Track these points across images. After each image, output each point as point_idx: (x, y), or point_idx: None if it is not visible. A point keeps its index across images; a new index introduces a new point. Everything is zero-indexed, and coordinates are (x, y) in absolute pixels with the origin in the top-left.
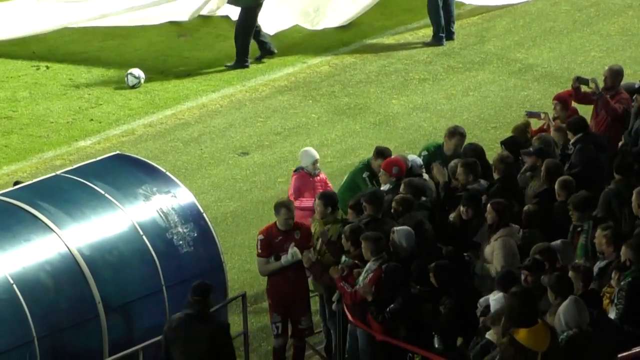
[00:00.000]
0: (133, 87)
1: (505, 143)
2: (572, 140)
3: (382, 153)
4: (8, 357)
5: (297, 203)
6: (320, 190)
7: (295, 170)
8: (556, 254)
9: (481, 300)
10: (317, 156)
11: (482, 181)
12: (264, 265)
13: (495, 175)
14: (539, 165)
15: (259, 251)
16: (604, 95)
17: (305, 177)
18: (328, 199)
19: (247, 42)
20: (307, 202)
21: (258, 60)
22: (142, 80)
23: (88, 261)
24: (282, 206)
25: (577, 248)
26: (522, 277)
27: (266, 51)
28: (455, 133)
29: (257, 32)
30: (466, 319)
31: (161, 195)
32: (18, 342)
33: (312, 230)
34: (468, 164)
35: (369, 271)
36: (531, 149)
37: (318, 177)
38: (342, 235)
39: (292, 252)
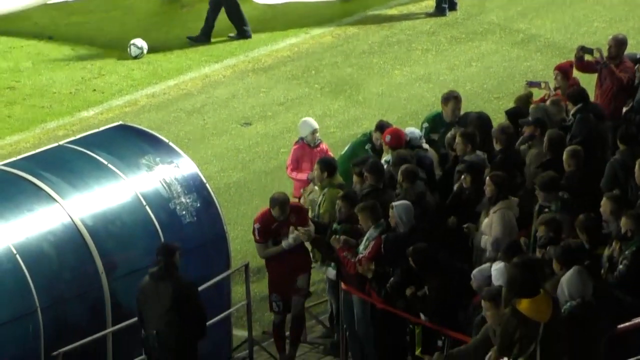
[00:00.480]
0: (136, 57)
1: (509, 113)
2: (572, 111)
3: (381, 127)
4: (11, 328)
5: (293, 175)
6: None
7: (296, 142)
8: (562, 224)
9: (475, 271)
10: (316, 126)
11: (480, 152)
12: (262, 249)
13: (497, 147)
14: (537, 135)
15: (257, 238)
16: (609, 64)
17: (304, 147)
18: (326, 164)
19: (240, 12)
20: (303, 175)
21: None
22: (145, 51)
23: (91, 231)
24: (276, 204)
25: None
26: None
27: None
28: (450, 98)
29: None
30: (456, 297)
31: (164, 165)
32: (21, 312)
33: (305, 198)
34: (467, 134)
35: (370, 239)
36: (530, 118)
37: (318, 148)
38: (337, 202)
39: (294, 237)
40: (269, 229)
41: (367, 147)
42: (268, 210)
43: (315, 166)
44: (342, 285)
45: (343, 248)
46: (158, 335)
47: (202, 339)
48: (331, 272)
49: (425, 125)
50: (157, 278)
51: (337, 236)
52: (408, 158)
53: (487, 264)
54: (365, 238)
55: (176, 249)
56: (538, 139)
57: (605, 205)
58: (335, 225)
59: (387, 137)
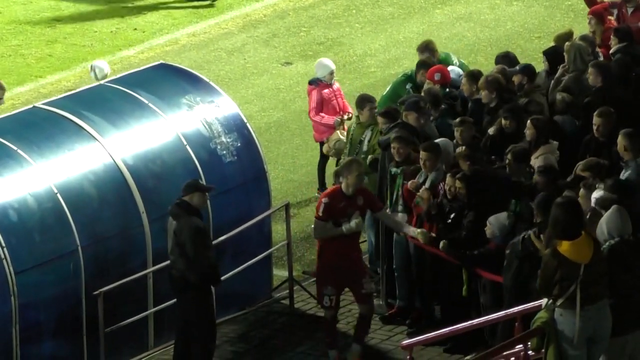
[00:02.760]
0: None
1: (546, 53)
2: (612, 49)
3: (425, 64)
4: (52, 266)
5: (317, 119)
6: (340, 100)
7: (310, 83)
8: (605, 168)
9: (491, 218)
10: (334, 67)
11: (483, 93)
12: (321, 228)
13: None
14: (526, 84)
15: (320, 214)
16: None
17: (325, 87)
18: (364, 100)
19: None
20: (329, 118)
21: None
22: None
23: (132, 170)
24: (354, 162)
25: (512, 204)
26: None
27: None
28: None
29: None
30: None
31: (205, 104)
32: (62, 250)
33: (329, 147)
34: (472, 74)
35: (434, 181)
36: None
37: (335, 88)
38: (392, 144)
39: (357, 222)
40: (335, 207)
41: (408, 86)
42: (338, 188)
43: (357, 104)
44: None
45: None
46: (170, 274)
47: (210, 286)
48: (400, 216)
49: (403, 78)
50: (172, 215)
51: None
52: (439, 97)
53: (504, 213)
54: (429, 180)
55: (193, 188)
56: (528, 87)
57: (620, 142)
58: (394, 169)
59: (437, 75)
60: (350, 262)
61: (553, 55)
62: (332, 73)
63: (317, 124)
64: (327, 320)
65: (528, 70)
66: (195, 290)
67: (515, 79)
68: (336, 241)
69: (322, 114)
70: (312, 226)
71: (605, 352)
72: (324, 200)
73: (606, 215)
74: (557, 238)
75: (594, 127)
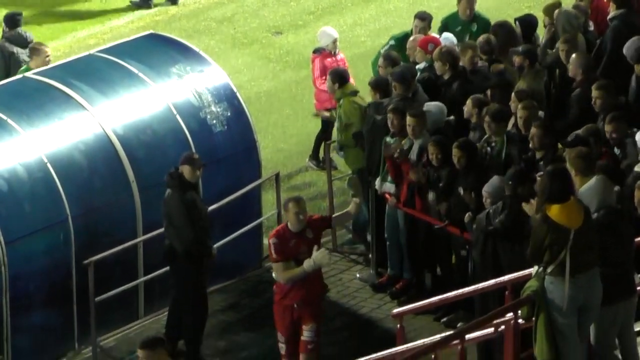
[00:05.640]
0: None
1: (520, 20)
2: (610, 15)
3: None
4: (42, 235)
5: (323, 87)
6: None
7: (314, 52)
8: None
9: (485, 187)
10: (337, 35)
11: (436, 64)
12: (283, 271)
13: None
14: (527, 66)
15: (274, 256)
16: None
17: (327, 56)
18: (336, 75)
19: None
20: None
21: None
22: None
23: (122, 140)
24: (289, 201)
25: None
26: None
27: None
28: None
29: None
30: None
31: (194, 74)
32: (52, 220)
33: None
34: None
35: (422, 147)
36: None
37: (339, 57)
38: (387, 115)
39: (320, 255)
40: (286, 246)
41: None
42: (285, 225)
43: (327, 77)
44: (388, 199)
45: (399, 156)
46: (165, 244)
47: (201, 259)
48: (389, 187)
49: (392, 42)
50: (167, 185)
51: (392, 142)
52: None
53: (495, 177)
54: (416, 146)
55: (187, 160)
56: (527, 70)
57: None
58: (388, 139)
59: (430, 46)
60: (306, 303)
61: (525, 24)
62: (335, 42)
63: (320, 92)
64: None
65: (530, 53)
66: (184, 261)
67: (517, 59)
68: (297, 282)
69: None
70: (273, 274)
71: (596, 321)
72: (271, 241)
73: (587, 185)
74: (546, 202)
75: (593, 101)
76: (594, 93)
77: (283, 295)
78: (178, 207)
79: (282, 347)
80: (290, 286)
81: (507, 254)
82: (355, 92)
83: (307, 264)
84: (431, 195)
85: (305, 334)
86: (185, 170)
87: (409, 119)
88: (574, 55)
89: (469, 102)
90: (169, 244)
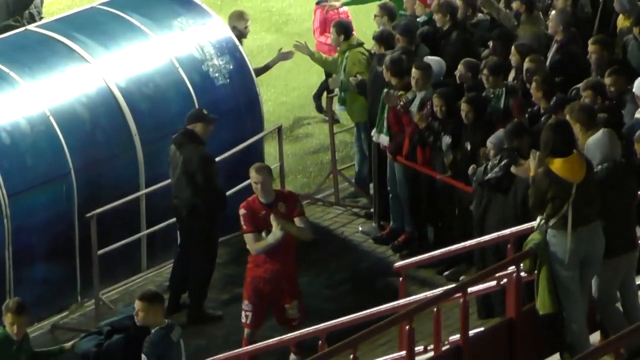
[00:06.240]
0: None
1: None
2: None
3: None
4: (45, 189)
5: (322, 39)
6: None
7: (317, 3)
8: (605, 88)
9: (490, 138)
10: None
11: (481, 15)
12: (254, 242)
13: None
14: (524, 12)
15: (244, 227)
16: None
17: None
18: (341, 26)
19: None
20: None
21: None
22: None
23: (124, 93)
24: (250, 169)
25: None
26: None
27: None
28: None
29: None
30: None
31: (197, 27)
32: (55, 173)
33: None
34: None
35: (424, 99)
36: None
37: (342, 10)
38: (384, 67)
39: (280, 226)
40: (256, 217)
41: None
42: (255, 196)
43: (331, 30)
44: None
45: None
46: (174, 203)
47: (218, 214)
48: (384, 139)
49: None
50: (176, 144)
51: (393, 92)
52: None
53: (501, 129)
54: (419, 98)
55: (199, 117)
56: (525, 17)
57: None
58: (392, 91)
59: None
60: (278, 278)
61: None
62: None
63: (321, 44)
64: (244, 339)
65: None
66: (203, 218)
67: (515, 5)
68: (266, 253)
69: (328, 34)
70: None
71: (598, 274)
72: (240, 212)
73: (593, 138)
74: (549, 156)
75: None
76: (590, 48)
77: (256, 265)
78: (204, 163)
79: (248, 316)
80: (264, 258)
81: (499, 205)
82: (361, 44)
83: (271, 236)
84: (445, 145)
85: (289, 312)
86: (198, 127)
87: (414, 71)
88: (553, 12)
89: (460, 66)
90: (184, 203)
